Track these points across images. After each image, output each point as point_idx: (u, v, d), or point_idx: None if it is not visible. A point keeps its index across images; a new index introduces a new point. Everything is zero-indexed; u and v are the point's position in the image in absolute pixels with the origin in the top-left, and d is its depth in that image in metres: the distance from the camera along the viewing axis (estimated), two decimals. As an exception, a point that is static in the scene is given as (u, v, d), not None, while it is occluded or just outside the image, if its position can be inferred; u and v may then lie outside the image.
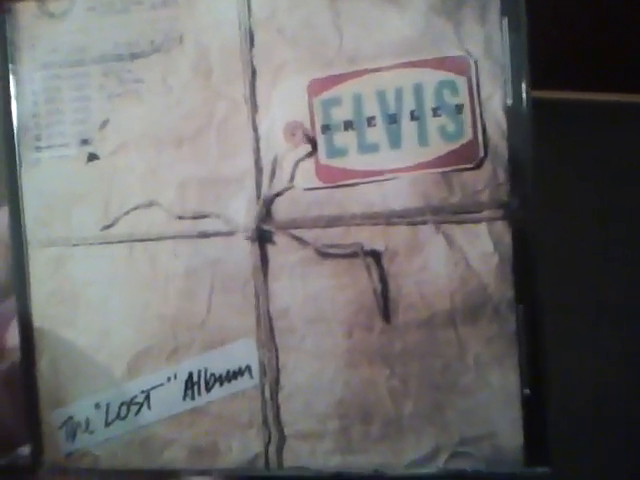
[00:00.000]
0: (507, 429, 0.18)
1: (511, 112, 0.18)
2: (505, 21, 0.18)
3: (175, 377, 0.20)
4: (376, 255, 0.18)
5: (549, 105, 0.28)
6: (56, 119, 0.21)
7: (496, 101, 0.18)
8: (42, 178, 0.21)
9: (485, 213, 0.18)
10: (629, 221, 0.30)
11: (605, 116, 0.30)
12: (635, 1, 0.30)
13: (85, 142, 0.20)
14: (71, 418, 0.21)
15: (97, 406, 0.20)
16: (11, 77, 0.21)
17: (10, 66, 0.21)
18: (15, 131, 0.21)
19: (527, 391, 0.18)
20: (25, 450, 0.21)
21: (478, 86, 0.18)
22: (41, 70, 0.21)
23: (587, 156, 0.30)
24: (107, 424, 0.20)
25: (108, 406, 0.20)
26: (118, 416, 0.20)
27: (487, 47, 0.18)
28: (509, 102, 0.18)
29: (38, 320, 0.21)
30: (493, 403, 0.18)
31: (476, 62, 0.18)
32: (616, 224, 0.30)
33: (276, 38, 0.19)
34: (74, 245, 0.21)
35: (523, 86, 0.17)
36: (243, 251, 0.19)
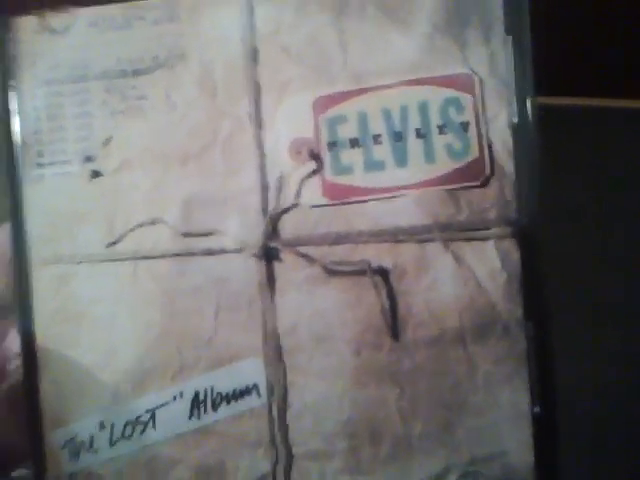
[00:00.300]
0: (517, 448, 0.18)
1: (517, 130, 0.18)
2: (510, 40, 0.18)
3: (181, 396, 0.20)
4: (384, 273, 0.18)
5: (553, 111, 0.28)
6: (58, 136, 0.20)
7: (502, 119, 0.18)
8: (45, 195, 0.21)
9: (493, 231, 0.18)
10: (636, 228, 0.30)
11: (611, 122, 0.30)
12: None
13: (88, 159, 0.20)
14: (74, 437, 0.20)
15: (101, 425, 0.20)
16: (12, 93, 0.21)
17: (11, 82, 0.21)
18: (17, 147, 0.21)
19: (537, 409, 0.18)
20: (28, 469, 0.21)
21: (483, 104, 0.18)
22: (43, 86, 0.20)
23: (592, 163, 0.30)
24: (112, 444, 0.20)
25: (113, 425, 0.20)
26: (123, 435, 0.20)
27: (492, 65, 0.18)
28: (515, 120, 0.18)
29: (41, 338, 0.21)
30: (503, 422, 0.18)
31: (481, 80, 0.18)
32: (621, 231, 0.30)
33: (280, 55, 0.19)
34: (78, 263, 0.20)
35: (528, 104, 0.17)
36: (249, 269, 0.19)
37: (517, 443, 0.18)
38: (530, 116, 0.17)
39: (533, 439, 0.18)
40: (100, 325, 0.20)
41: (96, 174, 0.20)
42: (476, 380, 0.18)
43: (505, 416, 0.18)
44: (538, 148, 0.17)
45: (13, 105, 0.21)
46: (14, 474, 0.21)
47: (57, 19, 0.20)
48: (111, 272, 0.20)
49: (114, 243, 0.20)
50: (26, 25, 0.21)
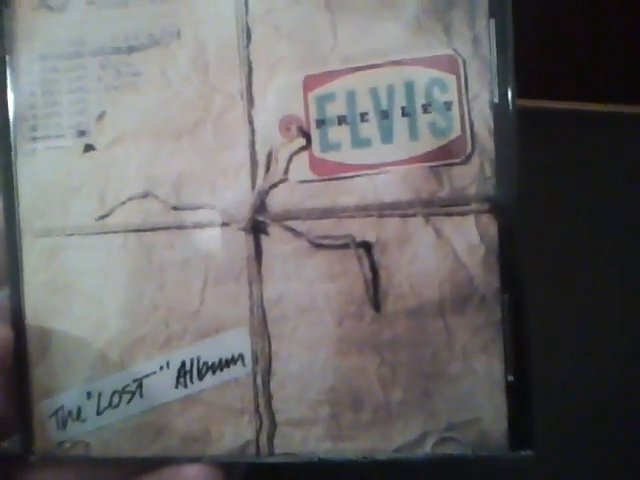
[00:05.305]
0: (492, 415, 0.18)
1: (497, 110, 0.18)
2: (492, 23, 0.18)
3: (168, 366, 0.20)
4: (367, 246, 0.19)
5: (538, 114, 0.30)
6: (53, 110, 0.21)
7: (483, 99, 0.18)
8: (37, 168, 0.21)
9: (472, 206, 0.19)
10: (614, 217, 0.31)
11: (592, 125, 0.32)
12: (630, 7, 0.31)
13: (82, 133, 0.21)
14: (62, 407, 0.21)
15: (89, 395, 0.21)
16: (8, 68, 0.21)
17: (7, 57, 0.21)
18: (11, 121, 0.21)
19: (511, 378, 0.18)
20: (16, 439, 0.21)
21: (466, 84, 0.18)
22: (39, 62, 0.21)
23: (576, 160, 0.31)
24: (99, 413, 0.21)
25: (100, 395, 0.21)
26: (110, 405, 0.20)
27: (475, 48, 0.19)
28: (496, 100, 0.18)
29: (31, 310, 0.21)
30: (479, 390, 0.19)
31: (465, 61, 0.18)
32: (601, 221, 0.31)
33: (273, 34, 0.19)
34: (69, 235, 0.21)
35: (509, 85, 0.18)
36: (237, 242, 0.20)
37: (492, 410, 0.18)
38: (510, 97, 0.18)
39: (507, 406, 0.18)
40: (89, 297, 0.21)
41: (89, 148, 0.21)
42: (454, 350, 0.19)
43: (481, 384, 0.19)
44: (517, 128, 0.18)
45: (8, 80, 0.21)
46: (3, 444, 0.21)
47: (54, -4, 0.21)
48: (101, 245, 0.21)
49: (105, 216, 0.21)
50: (23, 2, 0.21)
